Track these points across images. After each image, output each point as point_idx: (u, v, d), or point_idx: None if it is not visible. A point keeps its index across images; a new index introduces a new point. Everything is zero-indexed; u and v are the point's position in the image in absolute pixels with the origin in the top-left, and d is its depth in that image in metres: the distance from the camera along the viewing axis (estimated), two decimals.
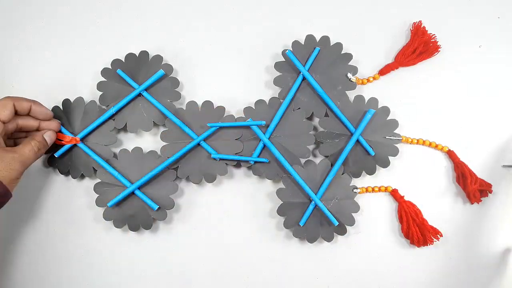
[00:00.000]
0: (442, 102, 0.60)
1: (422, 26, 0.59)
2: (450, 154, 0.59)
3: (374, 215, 0.60)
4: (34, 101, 0.55)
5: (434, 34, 0.59)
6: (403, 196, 0.59)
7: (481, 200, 0.58)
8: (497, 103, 0.60)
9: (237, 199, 0.60)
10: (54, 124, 0.57)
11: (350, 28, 0.60)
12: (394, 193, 0.59)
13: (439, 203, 0.60)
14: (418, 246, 0.58)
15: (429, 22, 0.60)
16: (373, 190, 0.59)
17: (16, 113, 0.54)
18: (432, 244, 0.58)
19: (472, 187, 0.58)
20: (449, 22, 0.61)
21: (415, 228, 0.58)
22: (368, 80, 0.59)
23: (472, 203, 0.59)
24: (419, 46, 0.59)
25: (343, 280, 0.59)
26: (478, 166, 0.59)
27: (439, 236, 0.58)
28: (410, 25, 0.60)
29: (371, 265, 0.59)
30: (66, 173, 0.60)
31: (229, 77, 0.61)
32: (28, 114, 0.55)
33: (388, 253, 0.59)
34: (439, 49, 0.60)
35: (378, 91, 0.59)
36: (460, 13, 0.61)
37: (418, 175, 0.60)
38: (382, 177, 0.60)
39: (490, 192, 0.59)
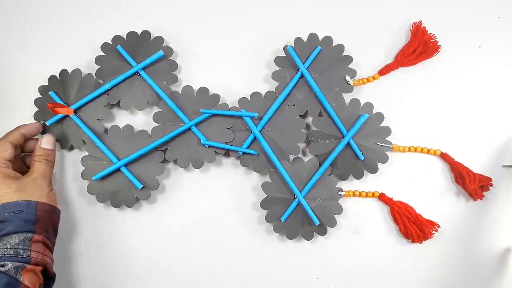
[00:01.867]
0: (442, 102, 0.60)
1: (422, 26, 0.59)
2: (444, 157, 0.59)
3: (371, 216, 0.60)
4: (21, 127, 0.56)
5: (434, 34, 0.59)
6: (392, 198, 0.59)
7: (483, 196, 0.58)
8: (497, 103, 0.60)
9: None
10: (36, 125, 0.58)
11: (350, 27, 0.59)
12: (382, 197, 0.59)
13: (438, 204, 0.59)
14: (420, 242, 0.58)
15: (429, 22, 0.60)
16: (360, 194, 0.59)
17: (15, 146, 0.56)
18: (432, 237, 0.58)
19: (472, 186, 0.57)
20: (449, 22, 0.61)
21: (412, 226, 0.58)
22: (368, 80, 0.59)
23: (475, 200, 0.59)
24: (419, 46, 0.59)
25: (343, 280, 0.59)
26: (478, 166, 0.59)
27: (437, 228, 0.58)
28: (410, 25, 0.60)
29: (371, 265, 0.59)
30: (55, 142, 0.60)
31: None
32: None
33: (388, 253, 0.59)
34: (439, 49, 0.60)
35: (377, 91, 0.60)
36: (460, 13, 0.61)
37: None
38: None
39: (491, 185, 0.59)
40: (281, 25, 0.61)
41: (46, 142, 0.56)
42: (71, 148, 0.60)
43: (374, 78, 0.59)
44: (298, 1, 0.61)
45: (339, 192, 0.58)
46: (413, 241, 0.58)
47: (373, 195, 0.59)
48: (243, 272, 0.60)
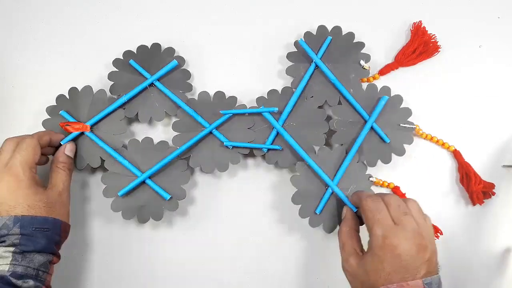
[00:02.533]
0: (442, 102, 0.60)
1: (422, 26, 0.60)
2: (456, 154, 0.59)
3: None
4: (51, 133, 0.55)
5: (434, 34, 0.60)
6: (405, 194, 0.58)
7: (483, 202, 0.58)
8: (497, 103, 0.60)
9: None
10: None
11: (350, 27, 0.59)
12: (396, 191, 0.58)
13: (441, 203, 0.59)
14: None
15: (429, 22, 0.61)
16: (376, 184, 0.58)
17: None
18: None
19: (476, 187, 0.57)
20: (449, 22, 0.61)
21: None
22: (368, 80, 0.59)
23: (474, 205, 0.58)
24: (419, 46, 0.59)
25: (343, 280, 0.57)
26: (478, 166, 0.59)
27: (439, 235, 0.57)
28: (410, 25, 0.61)
29: None
30: None
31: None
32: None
33: None
34: (439, 49, 0.60)
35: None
36: (460, 13, 0.62)
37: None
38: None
39: (493, 194, 0.58)
40: (283, 25, 0.61)
41: (70, 150, 0.55)
42: (88, 167, 0.58)
43: (374, 78, 0.60)
44: (298, 2, 0.62)
45: (370, 179, 0.57)
46: None
47: (388, 185, 0.58)
48: (243, 271, 0.58)
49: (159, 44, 0.59)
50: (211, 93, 0.58)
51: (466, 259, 0.58)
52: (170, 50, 0.59)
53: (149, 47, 0.59)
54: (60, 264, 0.52)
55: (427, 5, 0.62)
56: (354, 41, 0.59)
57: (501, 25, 0.62)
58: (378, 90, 0.58)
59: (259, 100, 0.58)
